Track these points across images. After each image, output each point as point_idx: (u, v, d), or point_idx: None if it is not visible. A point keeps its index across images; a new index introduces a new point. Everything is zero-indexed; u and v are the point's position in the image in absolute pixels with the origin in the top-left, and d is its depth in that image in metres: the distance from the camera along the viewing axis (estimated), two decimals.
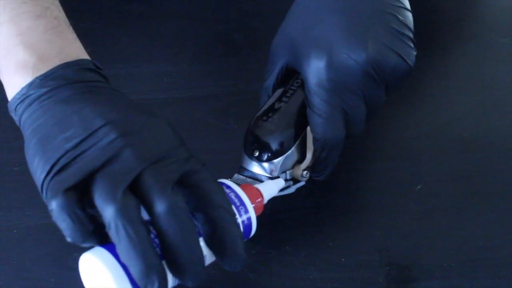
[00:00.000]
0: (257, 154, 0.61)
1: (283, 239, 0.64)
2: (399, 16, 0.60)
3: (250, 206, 0.56)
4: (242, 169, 0.63)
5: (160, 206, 0.48)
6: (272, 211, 0.66)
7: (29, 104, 0.54)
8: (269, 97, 0.64)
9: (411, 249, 0.64)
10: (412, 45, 0.61)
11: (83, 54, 0.58)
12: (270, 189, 0.60)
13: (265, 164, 0.61)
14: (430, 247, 0.64)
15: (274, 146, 0.61)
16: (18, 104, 0.54)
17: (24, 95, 0.54)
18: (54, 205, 0.49)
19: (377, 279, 0.62)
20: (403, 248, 0.64)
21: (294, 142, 0.62)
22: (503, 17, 0.79)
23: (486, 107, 0.72)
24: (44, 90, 0.54)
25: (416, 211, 0.66)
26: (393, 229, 0.65)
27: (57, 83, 0.54)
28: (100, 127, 0.51)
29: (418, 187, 0.67)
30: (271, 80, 0.63)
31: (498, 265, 0.63)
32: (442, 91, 0.73)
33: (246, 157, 0.62)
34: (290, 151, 0.62)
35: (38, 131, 0.52)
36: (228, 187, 0.57)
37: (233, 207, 0.54)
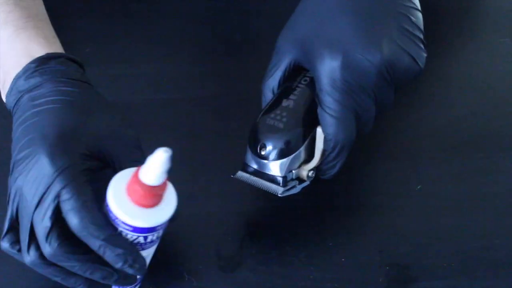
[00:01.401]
0: (264, 152, 0.60)
1: (283, 239, 0.64)
2: (411, 17, 0.60)
3: (122, 215, 0.51)
4: (246, 166, 0.62)
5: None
6: (272, 211, 0.66)
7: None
8: (274, 94, 0.63)
9: (411, 249, 0.64)
10: (422, 46, 0.61)
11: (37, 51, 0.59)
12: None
13: (272, 163, 0.60)
14: (430, 247, 0.64)
15: (283, 145, 0.60)
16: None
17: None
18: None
19: (377, 279, 0.62)
20: (403, 248, 0.64)
21: (303, 142, 0.61)
22: (503, 17, 0.79)
23: (486, 107, 0.72)
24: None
25: (416, 211, 0.66)
26: (393, 229, 0.65)
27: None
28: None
29: (418, 187, 0.67)
30: (276, 76, 0.62)
31: (498, 265, 0.63)
32: (442, 91, 0.73)
33: (251, 155, 0.61)
34: (298, 151, 0.61)
35: None
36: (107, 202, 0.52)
37: (114, 221, 0.52)
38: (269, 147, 0.60)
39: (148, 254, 0.55)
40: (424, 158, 0.69)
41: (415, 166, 0.69)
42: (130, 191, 0.50)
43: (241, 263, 0.63)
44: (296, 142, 0.60)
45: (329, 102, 0.59)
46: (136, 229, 0.52)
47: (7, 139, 0.69)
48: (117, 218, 0.51)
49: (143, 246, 0.54)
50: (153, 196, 0.51)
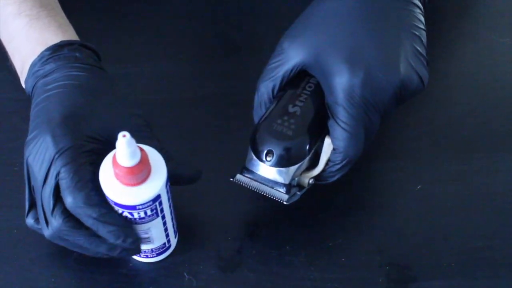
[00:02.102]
0: (270, 158, 0.59)
1: (283, 239, 0.64)
2: (421, 38, 0.61)
3: (108, 193, 0.54)
4: (246, 170, 0.61)
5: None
6: (272, 211, 0.66)
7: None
8: (274, 97, 0.62)
9: (411, 249, 0.64)
10: (426, 65, 0.61)
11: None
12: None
13: (278, 170, 0.59)
14: (430, 247, 0.64)
15: (292, 153, 0.59)
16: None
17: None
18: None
19: (377, 279, 0.62)
20: (403, 248, 0.64)
21: (310, 151, 0.60)
22: (503, 17, 0.79)
23: (486, 107, 0.72)
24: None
25: (416, 211, 0.66)
26: (393, 229, 0.65)
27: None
28: None
29: (418, 187, 0.67)
30: (278, 77, 0.61)
31: (498, 265, 0.63)
32: (442, 91, 0.73)
33: (255, 160, 0.60)
34: (305, 160, 0.60)
35: None
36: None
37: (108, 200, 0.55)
38: (277, 154, 0.59)
39: (147, 228, 0.57)
40: (424, 158, 0.69)
41: (415, 166, 0.69)
42: (114, 172, 0.54)
43: (241, 263, 0.63)
44: (304, 150, 0.60)
45: (344, 116, 0.58)
46: (122, 206, 0.54)
47: (7, 139, 0.70)
48: (107, 197, 0.55)
49: (137, 221, 0.56)
50: (132, 175, 0.53)
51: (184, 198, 0.66)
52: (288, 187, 0.60)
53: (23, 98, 0.72)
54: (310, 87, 0.61)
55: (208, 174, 0.67)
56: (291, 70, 0.61)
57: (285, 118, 0.60)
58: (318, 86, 0.61)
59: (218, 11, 0.79)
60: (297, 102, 0.60)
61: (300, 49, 0.60)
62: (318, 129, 0.60)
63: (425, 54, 0.61)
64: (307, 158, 0.60)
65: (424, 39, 0.61)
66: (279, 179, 0.60)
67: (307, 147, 0.60)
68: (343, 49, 0.59)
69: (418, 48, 0.60)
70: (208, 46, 0.77)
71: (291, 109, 0.60)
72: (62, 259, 0.63)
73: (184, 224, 0.64)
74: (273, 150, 0.59)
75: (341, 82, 0.58)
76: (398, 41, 0.59)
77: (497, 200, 0.66)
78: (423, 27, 0.61)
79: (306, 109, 0.60)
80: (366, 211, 0.66)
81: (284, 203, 0.59)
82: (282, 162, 0.59)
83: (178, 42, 0.77)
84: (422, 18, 0.62)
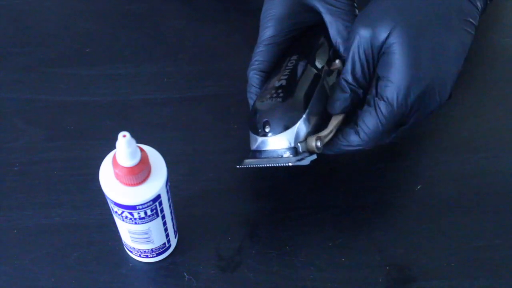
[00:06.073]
0: (268, 129, 0.60)
1: (283, 239, 0.64)
2: (467, 52, 0.61)
3: (108, 192, 0.54)
4: (252, 153, 0.61)
5: None
6: (272, 211, 0.66)
7: None
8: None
9: (411, 249, 0.64)
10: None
11: None
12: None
13: (279, 137, 0.60)
14: (430, 247, 0.64)
15: (285, 115, 0.59)
16: None
17: None
18: None
19: (377, 279, 0.62)
20: (403, 248, 0.64)
21: (304, 109, 0.60)
22: (503, 17, 0.79)
23: (486, 107, 0.72)
24: None
25: (416, 211, 0.66)
26: (393, 229, 0.65)
27: None
28: None
29: (418, 187, 0.67)
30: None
31: (498, 265, 0.63)
32: None
33: (256, 137, 0.61)
34: (301, 119, 0.60)
35: None
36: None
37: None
38: (273, 121, 0.60)
39: (147, 228, 0.57)
40: (424, 158, 0.69)
41: (415, 166, 0.69)
42: (114, 172, 0.53)
43: (241, 263, 0.63)
44: (298, 110, 0.60)
45: (386, 110, 0.59)
46: (122, 206, 0.54)
47: (7, 139, 0.70)
48: (107, 197, 0.55)
49: (137, 221, 0.56)
50: (132, 175, 0.52)
51: (184, 198, 0.66)
52: (294, 150, 0.60)
53: (23, 98, 0.72)
54: (291, 63, 0.63)
55: (208, 174, 0.67)
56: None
57: (273, 92, 0.61)
58: (298, 60, 0.62)
59: (218, 11, 0.80)
60: (282, 77, 0.62)
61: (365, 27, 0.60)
62: (309, 90, 0.61)
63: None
64: (304, 117, 0.60)
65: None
66: (283, 144, 0.60)
67: (300, 106, 0.60)
68: (414, 51, 0.58)
69: (460, 69, 0.60)
70: (208, 46, 0.77)
71: (277, 83, 0.61)
72: (62, 259, 0.63)
73: (184, 224, 0.64)
74: (269, 120, 0.60)
75: (402, 80, 0.58)
76: (456, 62, 0.60)
77: (497, 200, 0.66)
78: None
79: (292, 78, 0.61)
80: (366, 211, 0.66)
81: (290, 164, 0.59)
82: (280, 127, 0.60)
83: (178, 42, 0.77)
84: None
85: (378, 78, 0.60)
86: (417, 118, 0.60)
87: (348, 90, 0.60)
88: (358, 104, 0.61)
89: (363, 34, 0.59)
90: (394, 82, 0.58)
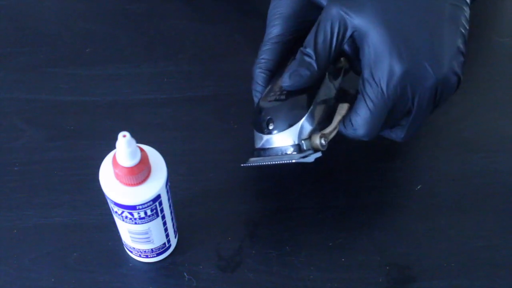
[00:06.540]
0: (272, 126, 0.60)
1: (283, 239, 0.64)
2: (466, 38, 0.60)
3: (108, 192, 0.54)
4: (256, 151, 0.61)
5: None
6: (272, 211, 0.66)
7: None
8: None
9: (411, 249, 0.64)
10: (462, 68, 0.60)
11: None
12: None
13: (283, 134, 0.60)
14: (430, 247, 0.64)
15: (288, 112, 0.60)
16: None
17: None
18: None
19: (377, 279, 0.62)
20: (403, 248, 0.64)
21: (308, 107, 0.60)
22: (503, 17, 0.79)
23: (486, 107, 0.72)
24: None
25: (416, 211, 0.66)
26: (393, 229, 0.65)
27: None
28: None
29: (418, 187, 0.67)
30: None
31: (498, 265, 0.63)
32: None
33: (260, 136, 0.61)
34: (305, 117, 0.60)
35: None
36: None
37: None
38: (276, 118, 0.60)
39: (147, 228, 0.57)
40: (424, 158, 0.69)
41: (415, 166, 0.69)
42: (114, 172, 0.53)
43: (241, 263, 0.63)
44: (301, 108, 0.60)
45: (373, 95, 0.58)
46: (122, 206, 0.54)
47: (7, 139, 0.70)
48: (107, 197, 0.55)
49: (137, 221, 0.56)
50: (132, 175, 0.52)
51: (184, 198, 0.66)
52: (298, 147, 0.60)
53: (23, 98, 0.72)
54: (294, 59, 0.62)
55: (208, 174, 0.67)
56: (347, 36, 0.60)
57: (277, 90, 0.61)
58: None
59: (218, 11, 0.80)
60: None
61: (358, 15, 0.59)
62: (312, 88, 0.60)
63: (465, 56, 0.60)
64: (307, 114, 0.60)
65: (467, 40, 0.60)
66: (288, 142, 0.60)
67: (303, 104, 0.60)
68: (392, 30, 0.57)
69: (462, 49, 0.60)
70: (208, 46, 0.77)
71: (281, 82, 0.61)
72: (62, 259, 0.63)
73: (184, 224, 0.64)
74: (272, 117, 0.60)
75: (383, 62, 0.57)
76: (448, 37, 0.59)
77: (497, 200, 0.66)
78: (468, 28, 0.61)
79: None
80: (366, 211, 0.66)
81: (294, 161, 0.59)
82: (284, 124, 0.60)
83: (178, 42, 0.77)
84: (468, 18, 0.61)
85: (362, 64, 0.59)
86: (420, 104, 0.59)
87: (304, 61, 0.59)
88: (310, 82, 0.60)
89: (334, 8, 0.58)
90: (377, 64, 0.57)
